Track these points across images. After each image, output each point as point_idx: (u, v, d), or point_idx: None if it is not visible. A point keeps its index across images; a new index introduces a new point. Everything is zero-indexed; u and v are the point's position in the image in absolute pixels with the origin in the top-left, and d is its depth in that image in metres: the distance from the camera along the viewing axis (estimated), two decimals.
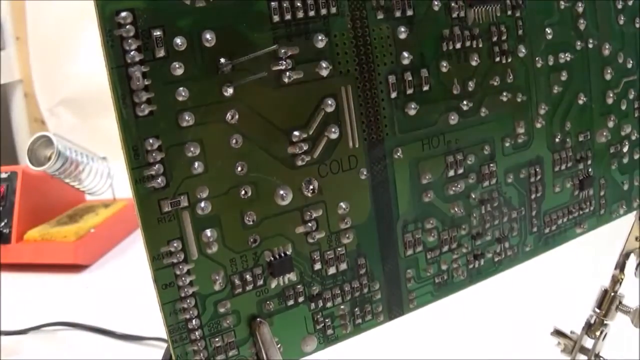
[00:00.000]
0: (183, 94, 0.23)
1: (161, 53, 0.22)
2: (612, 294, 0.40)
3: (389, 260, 0.29)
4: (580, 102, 0.34)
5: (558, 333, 0.42)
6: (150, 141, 0.23)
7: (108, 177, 0.89)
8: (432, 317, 0.38)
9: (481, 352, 0.50)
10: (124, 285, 0.71)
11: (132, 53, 0.22)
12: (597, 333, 0.41)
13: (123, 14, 0.21)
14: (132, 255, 0.82)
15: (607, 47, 0.34)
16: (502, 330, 0.52)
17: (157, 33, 0.22)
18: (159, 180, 0.23)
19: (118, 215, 0.90)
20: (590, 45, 0.34)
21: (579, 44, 0.33)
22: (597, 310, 0.41)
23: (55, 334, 0.62)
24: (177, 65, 0.23)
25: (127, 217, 0.90)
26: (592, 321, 0.41)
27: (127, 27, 0.22)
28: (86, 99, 1.24)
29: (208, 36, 0.23)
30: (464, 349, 0.51)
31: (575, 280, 0.50)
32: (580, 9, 0.33)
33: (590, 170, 0.35)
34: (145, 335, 0.58)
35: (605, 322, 0.40)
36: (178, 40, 0.22)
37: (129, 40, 0.22)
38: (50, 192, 0.89)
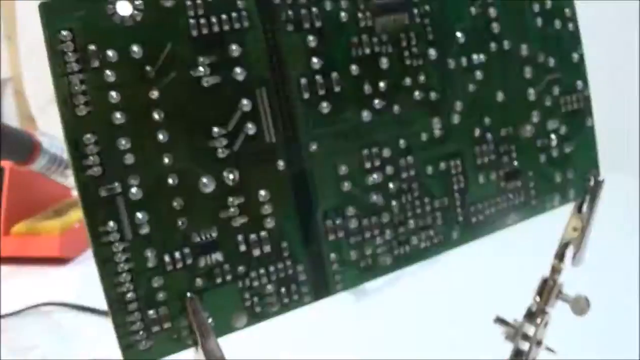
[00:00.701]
0: (115, 96, 0.33)
1: (96, 64, 0.33)
2: (552, 282, 0.50)
3: (312, 244, 0.39)
4: (499, 99, 0.44)
5: (501, 321, 0.52)
6: (88, 136, 0.33)
7: None
8: (376, 303, 0.47)
9: (426, 341, 0.60)
10: None
11: (71, 64, 0.32)
12: (538, 320, 0.51)
13: (64, 32, 0.32)
14: None
15: (524, 47, 0.45)
16: (447, 319, 0.63)
17: (92, 47, 0.33)
18: (96, 169, 0.33)
19: None
20: (507, 47, 0.44)
21: (493, 45, 0.44)
22: (538, 299, 0.51)
23: (46, 313, 0.75)
24: (109, 73, 0.33)
25: None
26: (533, 309, 0.51)
27: (67, 43, 0.32)
28: None
29: (135, 49, 0.34)
30: (408, 338, 0.61)
31: (519, 270, 0.60)
32: (494, 14, 0.43)
33: (515, 162, 0.45)
34: None
35: (545, 310, 0.50)
36: (110, 53, 0.33)
37: (69, 53, 0.32)
38: (37, 187, 1.03)
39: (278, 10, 0.37)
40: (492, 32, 0.44)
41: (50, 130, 1.05)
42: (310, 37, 0.38)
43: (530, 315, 0.51)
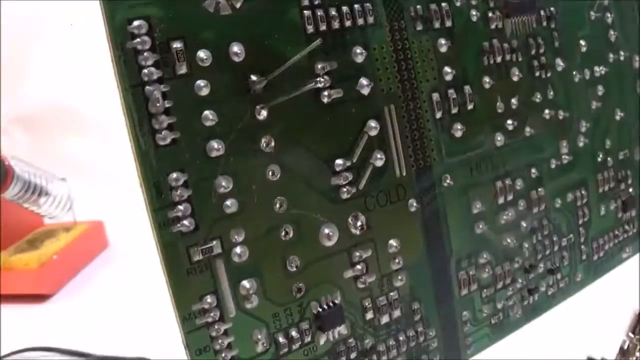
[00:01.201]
0: (211, 117, 0.18)
1: (183, 69, 0.17)
2: None
3: (444, 302, 0.24)
4: (618, 117, 0.29)
5: None
6: (175, 176, 0.17)
7: (68, 200, 0.80)
8: None
9: None
10: (94, 313, 0.62)
11: (149, 69, 0.17)
12: (632, 359, 0.36)
13: (137, 22, 0.16)
14: (99, 282, 0.73)
15: (637, 59, 0.30)
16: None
17: (178, 45, 0.17)
18: (187, 222, 0.18)
19: (80, 239, 0.79)
20: (622, 58, 0.30)
21: (611, 56, 0.29)
22: (632, 335, 0.36)
23: None
24: (202, 84, 0.17)
25: (89, 241, 0.80)
26: (626, 346, 0.36)
27: (142, 38, 0.16)
28: (41, 117, 1.13)
29: (236, 49, 0.18)
30: None
31: (602, 304, 0.44)
32: (610, 20, 0.29)
33: (631, 190, 0.30)
34: (125, 356, 0.50)
35: (639, 346, 0.35)
36: (202, 54, 0.17)
37: (145, 54, 0.16)
38: (7, 216, 0.79)
39: (405, 3, 0.22)
40: (610, 41, 0.29)
41: (14, 152, 0.83)
42: (442, 40, 0.22)
43: (623, 353, 0.36)
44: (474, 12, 0.24)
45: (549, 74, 0.26)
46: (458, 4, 0.23)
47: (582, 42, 0.28)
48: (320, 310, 0.20)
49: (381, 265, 0.22)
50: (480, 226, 0.24)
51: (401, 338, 0.23)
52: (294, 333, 0.20)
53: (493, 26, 0.24)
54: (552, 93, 0.26)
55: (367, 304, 0.21)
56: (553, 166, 0.27)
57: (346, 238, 0.21)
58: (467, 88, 0.23)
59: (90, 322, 0.60)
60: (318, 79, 0.19)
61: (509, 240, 0.25)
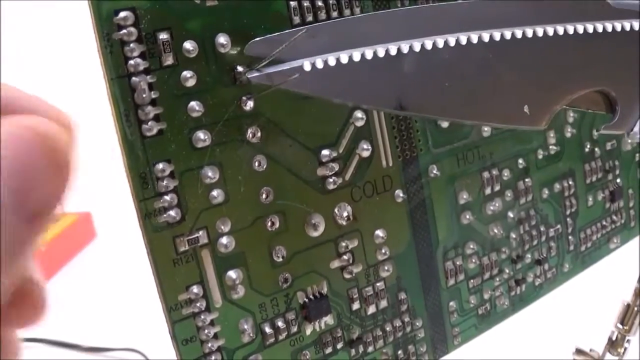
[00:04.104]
0: (197, 108, 0.18)
1: (169, 60, 0.17)
2: (635, 308, 0.36)
3: (430, 292, 0.24)
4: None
5: (579, 352, 0.37)
6: (161, 166, 0.18)
7: None
8: None
9: None
10: (82, 304, 0.63)
11: (135, 60, 0.17)
12: (620, 350, 0.37)
13: (123, 14, 0.17)
14: (87, 273, 0.74)
15: None
16: (520, 350, 0.47)
17: (164, 36, 0.17)
18: (173, 213, 0.18)
19: (68, 230, 0.80)
20: None
21: None
22: (620, 326, 0.37)
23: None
24: (188, 75, 0.18)
25: (78, 233, 0.81)
26: (614, 337, 0.37)
27: (128, 29, 0.17)
28: None
29: (222, 40, 0.18)
30: None
31: (592, 295, 0.45)
32: None
33: (619, 180, 0.31)
34: (113, 347, 0.51)
35: (627, 338, 0.36)
36: (188, 45, 0.18)
37: (131, 45, 0.17)
38: None
39: None
40: None
41: None
42: None
43: (612, 344, 0.36)
44: None
45: None
46: None
47: None
48: (307, 300, 0.21)
49: (367, 256, 0.22)
50: (467, 216, 0.25)
51: (388, 328, 0.23)
52: (280, 323, 0.20)
53: None
54: None
55: (353, 294, 0.22)
56: (540, 156, 0.27)
57: (332, 228, 0.21)
58: None
59: (79, 313, 0.60)
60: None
61: (496, 231, 0.26)
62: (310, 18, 0.20)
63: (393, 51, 0.17)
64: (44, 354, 0.54)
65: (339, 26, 0.18)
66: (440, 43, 0.18)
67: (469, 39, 0.18)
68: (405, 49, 0.18)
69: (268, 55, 0.17)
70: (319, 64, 0.17)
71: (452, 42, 0.18)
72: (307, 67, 0.17)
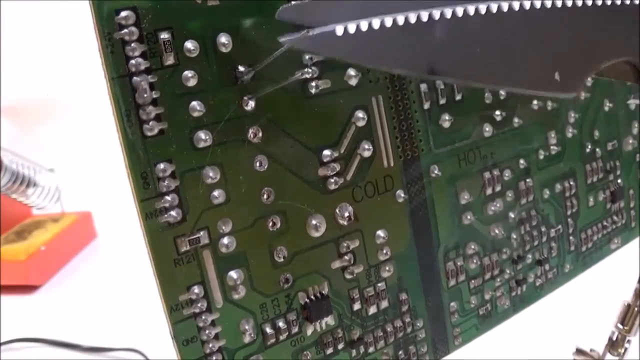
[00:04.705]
0: (198, 108, 0.18)
1: (170, 60, 0.17)
2: (636, 308, 0.36)
3: (431, 293, 0.24)
4: (606, 108, 0.30)
5: (579, 352, 0.37)
6: (162, 166, 0.18)
7: (56, 191, 0.80)
8: None
9: None
10: (82, 304, 0.63)
11: (136, 60, 0.17)
12: (621, 350, 0.36)
13: (124, 13, 0.17)
14: (87, 273, 0.74)
15: None
16: (521, 350, 0.47)
17: (165, 36, 0.17)
18: (174, 213, 0.18)
19: (68, 230, 0.80)
20: None
21: None
22: (620, 326, 0.37)
23: (20, 351, 0.54)
24: (189, 75, 0.18)
25: (78, 232, 0.80)
26: (615, 337, 0.37)
27: (130, 29, 0.17)
28: (30, 108, 1.13)
29: (224, 40, 0.18)
30: None
31: (592, 295, 0.45)
32: None
33: (620, 180, 0.31)
34: (114, 347, 0.51)
35: (628, 338, 0.36)
36: (189, 45, 0.18)
37: (132, 45, 0.17)
38: None
39: None
40: None
41: (6, 146, 0.82)
42: None
43: (612, 344, 0.36)
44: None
45: None
46: None
47: None
48: (308, 300, 0.21)
49: (369, 256, 0.22)
50: (468, 217, 0.25)
51: (389, 329, 0.23)
52: (281, 324, 0.20)
53: None
54: None
55: (354, 294, 0.22)
56: (541, 157, 0.27)
57: (334, 229, 0.21)
58: None
59: (79, 313, 0.60)
60: (306, 70, 0.20)
61: (497, 231, 0.26)
62: None
63: (424, 17, 0.17)
64: (44, 354, 0.54)
65: None
66: (471, 10, 0.18)
67: (499, 7, 0.18)
68: (436, 15, 0.17)
69: (299, 21, 0.17)
70: (351, 29, 0.17)
71: (482, 10, 0.18)
72: (340, 31, 0.17)
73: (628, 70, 0.21)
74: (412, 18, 0.17)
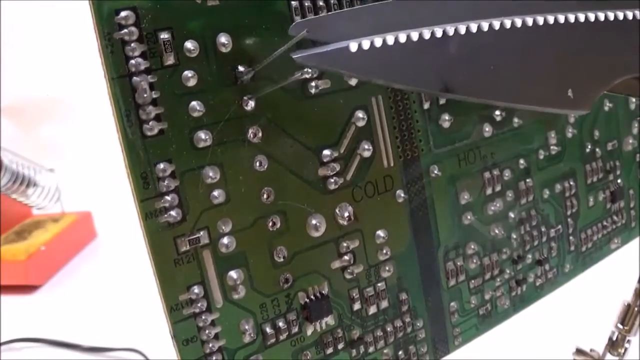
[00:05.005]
0: (198, 108, 0.18)
1: (170, 60, 0.17)
2: (636, 308, 0.36)
3: (431, 293, 0.24)
4: (606, 108, 0.30)
5: (579, 352, 0.37)
6: (162, 166, 0.18)
7: (56, 191, 0.80)
8: None
9: None
10: (82, 304, 0.63)
11: (136, 60, 0.17)
12: (621, 350, 0.36)
13: (124, 13, 0.17)
14: (87, 273, 0.74)
15: None
16: (521, 350, 0.47)
17: (165, 36, 0.17)
18: (174, 213, 0.18)
19: (68, 230, 0.79)
20: None
21: None
22: (620, 326, 0.37)
23: (20, 351, 0.54)
24: (189, 75, 0.18)
25: (78, 232, 0.80)
26: (615, 337, 0.37)
27: (129, 29, 0.17)
28: (30, 108, 1.13)
29: (224, 40, 0.18)
30: None
31: (592, 295, 0.45)
32: None
33: (619, 180, 0.31)
34: (114, 347, 0.50)
35: (628, 338, 0.36)
36: (189, 45, 0.18)
37: (132, 45, 0.17)
38: None
39: None
40: None
41: (1, 143, 0.82)
42: None
43: (612, 344, 0.36)
44: None
45: None
46: None
47: None
48: (308, 300, 0.21)
49: (369, 256, 0.22)
50: (468, 217, 0.25)
51: (389, 329, 0.23)
52: (281, 324, 0.20)
53: None
54: None
55: (354, 294, 0.22)
56: (541, 157, 0.27)
57: (334, 229, 0.21)
58: None
59: (79, 313, 0.60)
60: (305, 70, 0.19)
61: (497, 231, 0.26)
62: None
63: (438, 34, 0.17)
64: (44, 354, 0.54)
65: (382, 9, 0.18)
66: (485, 27, 0.18)
67: (512, 23, 0.18)
68: (450, 31, 0.17)
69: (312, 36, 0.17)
70: (365, 45, 0.17)
71: (496, 26, 0.18)
72: (354, 48, 0.17)
73: (636, 85, 0.21)
74: (427, 34, 0.17)
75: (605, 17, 0.20)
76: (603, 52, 0.20)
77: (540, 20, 0.19)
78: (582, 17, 0.19)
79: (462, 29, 0.18)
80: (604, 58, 0.20)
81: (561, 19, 0.19)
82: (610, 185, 0.31)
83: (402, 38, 0.17)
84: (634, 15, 0.20)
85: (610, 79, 0.20)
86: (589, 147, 0.29)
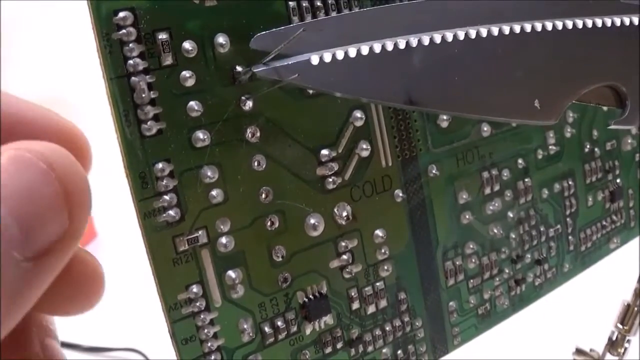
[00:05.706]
0: (196, 108, 0.18)
1: (168, 60, 0.18)
2: (635, 308, 0.36)
3: (430, 292, 0.24)
4: (605, 108, 0.30)
5: (579, 352, 0.37)
6: (160, 166, 0.18)
7: None
8: None
9: None
10: None
11: (134, 60, 0.17)
12: (621, 350, 0.37)
13: (122, 14, 0.17)
14: None
15: None
16: (520, 350, 0.47)
17: (163, 36, 0.17)
18: (172, 212, 0.18)
19: None
20: None
21: None
22: (620, 326, 0.37)
23: None
24: (187, 75, 0.18)
25: None
26: (615, 337, 0.37)
27: (128, 29, 0.17)
28: None
29: (221, 40, 0.18)
30: None
31: (592, 295, 0.45)
32: None
33: (619, 180, 0.31)
34: (113, 347, 0.51)
35: (628, 338, 0.36)
36: (187, 45, 0.18)
37: (131, 45, 0.17)
38: None
39: None
40: None
41: None
42: None
43: (612, 344, 0.36)
44: None
45: None
46: None
47: None
48: (306, 300, 0.21)
49: (367, 256, 0.22)
50: (467, 216, 0.25)
51: (387, 328, 0.23)
52: (279, 323, 0.20)
53: None
54: None
55: (353, 293, 0.22)
56: (540, 156, 0.27)
57: (332, 228, 0.21)
58: None
59: None
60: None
61: (495, 231, 0.26)
62: (309, 19, 0.20)
63: (402, 45, 0.17)
64: None
65: (345, 20, 0.18)
66: (450, 37, 0.18)
67: (478, 33, 0.18)
68: (414, 42, 0.17)
69: (274, 49, 0.17)
70: (327, 58, 0.17)
71: (461, 36, 0.18)
72: (315, 61, 0.17)
73: (609, 94, 0.21)
74: (389, 46, 0.17)
75: (574, 24, 0.20)
76: (570, 61, 0.20)
77: (506, 29, 0.19)
78: (549, 26, 0.19)
79: (426, 40, 0.18)
80: (571, 67, 0.20)
81: (527, 27, 0.19)
82: (609, 185, 0.31)
83: (365, 50, 0.17)
84: (603, 23, 0.20)
85: (578, 88, 0.20)
86: (588, 146, 0.29)
